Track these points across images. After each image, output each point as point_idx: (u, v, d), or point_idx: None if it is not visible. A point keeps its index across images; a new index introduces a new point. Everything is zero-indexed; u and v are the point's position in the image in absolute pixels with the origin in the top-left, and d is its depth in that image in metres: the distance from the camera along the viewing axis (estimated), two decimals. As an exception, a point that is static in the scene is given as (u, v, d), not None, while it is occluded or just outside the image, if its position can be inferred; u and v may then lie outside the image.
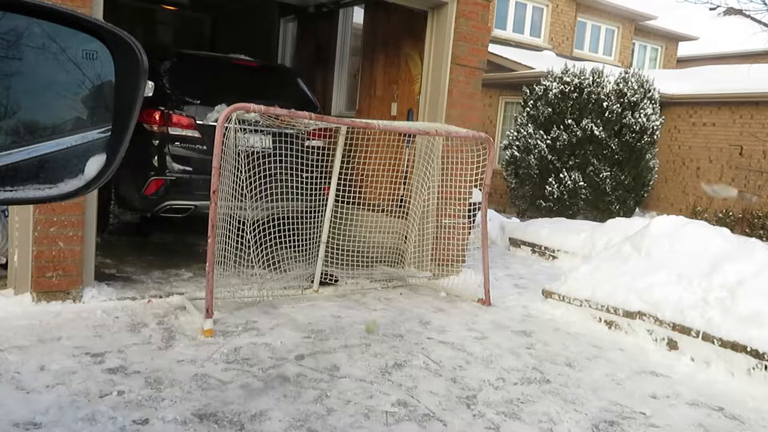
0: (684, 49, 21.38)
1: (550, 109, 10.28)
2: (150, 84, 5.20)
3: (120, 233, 6.08)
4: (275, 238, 4.84)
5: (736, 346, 3.89)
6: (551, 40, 17.04)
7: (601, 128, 9.93)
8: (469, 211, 6.06)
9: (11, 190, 0.83)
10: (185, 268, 5.42)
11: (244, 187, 4.58)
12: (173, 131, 5.20)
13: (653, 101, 10.40)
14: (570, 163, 10.15)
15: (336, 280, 5.41)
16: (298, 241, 5.09)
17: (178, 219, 5.81)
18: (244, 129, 4.57)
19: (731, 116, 11.61)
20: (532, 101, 10.64)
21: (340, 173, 5.16)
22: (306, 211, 5.15)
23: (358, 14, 7.66)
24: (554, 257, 7.53)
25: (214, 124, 4.27)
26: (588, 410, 3.31)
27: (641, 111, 10.12)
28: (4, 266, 4.52)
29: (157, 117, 5.15)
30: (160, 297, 4.60)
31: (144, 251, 5.99)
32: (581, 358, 4.13)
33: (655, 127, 10.36)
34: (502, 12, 16.00)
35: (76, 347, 3.52)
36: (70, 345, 3.55)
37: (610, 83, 10.22)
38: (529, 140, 10.43)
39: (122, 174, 5.24)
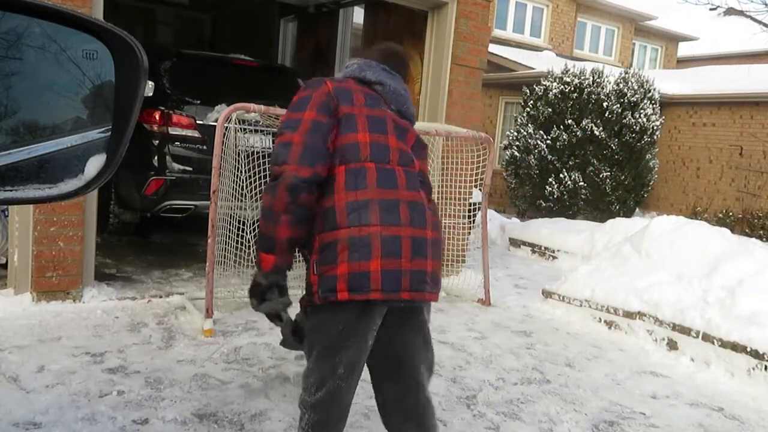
0: (684, 49, 21.40)
1: (550, 110, 10.28)
2: (150, 84, 5.20)
3: (120, 233, 6.08)
4: (275, 238, 4.84)
5: (736, 347, 3.89)
6: (551, 41, 17.04)
7: (601, 128, 9.93)
8: (469, 211, 6.05)
9: (11, 190, 0.83)
10: (185, 268, 5.42)
11: (244, 187, 4.58)
12: (173, 131, 5.20)
13: (653, 101, 10.40)
14: (570, 163, 10.15)
15: (336, 280, 5.39)
16: (298, 241, 5.08)
17: (178, 219, 5.81)
18: (244, 129, 4.56)
19: (731, 116, 11.60)
20: (532, 101, 10.64)
21: (340, 173, 5.15)
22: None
23: (358, 14, 7.67)
24: (554, 257, 7.53)
25: (214, 124, 4.26)
26: (588, 410, 3.31)
27: (641, 111, 10.12)
28: (4, 266, 4.52)
29: (157, 117, 5.15)
30: (160, 297, 4.60)
31: (144, 251, 5.99)
32: (581, 358, 4.13)
33: (655, 128, 10.35)
34: (502, 12, 16.01)
35: (76, 347, 3.52)
36: (70, 345, 3.55)
37: (610, 83, 10.22)
38: (529, 140, 10.43)
39: (122, 174, 5.24)
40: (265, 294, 1.94)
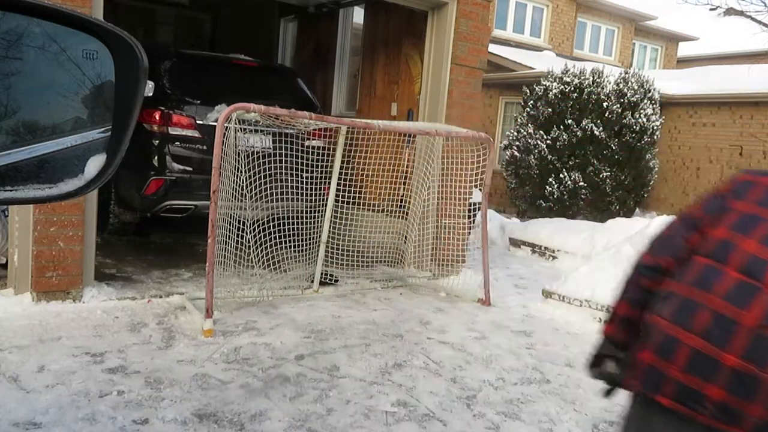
0: (684, 50, 21.39)
1: (550, 110, 10.28)
2: (150, 84, 5.20)
3: (120, 233, 6.08)
4: (275, 238, 4.84)
5: (736, 347, 3.89)
6: (551, 40, 17.04)
7: (601, 128, 9.93)
8: (469, 211, 6.05)
9: (11, 190, 0.83)
10: (185, 268, 5.42)
11: (244, 187, 4.59)
12: (173, 131, 5.20)
13: (653, 101, 10.40)
14: (570, 163, 10.15)
15: (336, 280, 5.40)
16: (298, 241, 5.09)
17: (178, 219, 5.81)
18: (244, 129, 4.56)
19: (731, 116, 11.60)
20: (532, 101, 10.64)
21: (340, 173, 5.16)
22: (306, 211, 5.15)
23: (358, 14, 7.66)
24: (554, 257, 7.53)
25: (214, 124, 4.27)
26: (588, 410, 3.31)
27: (641, 111, 10.12)
28: (4, 266, 4.52)
29: (157, 117, 5.15)
30: (160, 297, 4.60)
31: (144, 251, 5.99)
32: (581, 358, 4.13)
33: (655, 128, 10.36)
34: (502, 12, 16.00)
35: (76, 347, 3.52)
36: (70, 345, 3.55)
37: (610, 83, 10.22)
38: (529, 140, 10.43)
39: (122, 174, 5.24)
40: (598, 360, 1.93)
